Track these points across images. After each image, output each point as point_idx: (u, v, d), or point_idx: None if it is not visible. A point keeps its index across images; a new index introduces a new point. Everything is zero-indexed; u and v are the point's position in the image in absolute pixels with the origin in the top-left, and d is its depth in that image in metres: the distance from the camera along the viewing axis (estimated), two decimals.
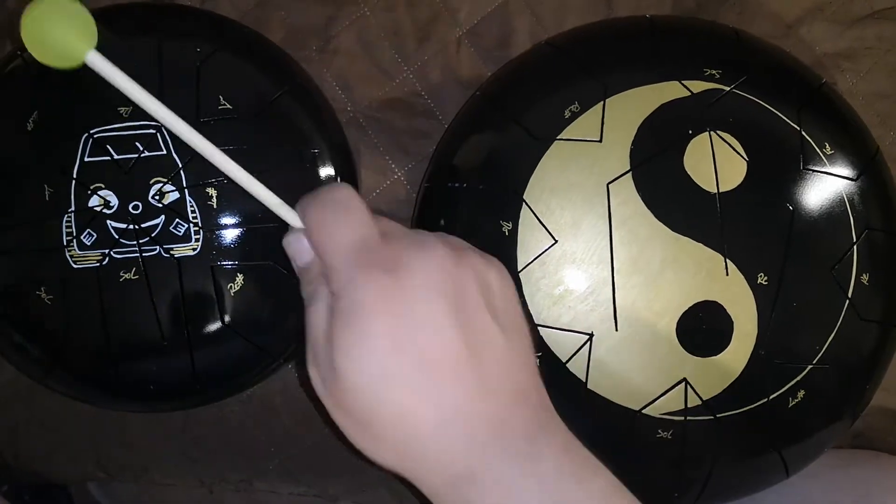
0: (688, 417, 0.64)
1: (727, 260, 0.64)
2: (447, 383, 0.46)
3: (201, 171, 0.65)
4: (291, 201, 0.68)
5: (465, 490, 0.47)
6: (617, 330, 0.64)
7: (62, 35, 0.47)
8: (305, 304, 0.51)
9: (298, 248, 0.52)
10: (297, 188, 0.68)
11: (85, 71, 0.46)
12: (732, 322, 0.64)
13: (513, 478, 0.46)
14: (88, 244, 0.64)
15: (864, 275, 0.66)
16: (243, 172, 0.52)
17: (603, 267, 0.64)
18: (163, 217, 0.65)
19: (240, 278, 0.66)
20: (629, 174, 0.65)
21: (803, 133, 0.67)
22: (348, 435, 0.49)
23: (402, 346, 0.45)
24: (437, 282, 0.47)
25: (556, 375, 0.65)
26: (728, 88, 0.67)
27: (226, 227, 0.65)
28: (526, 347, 0.51)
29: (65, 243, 0.64)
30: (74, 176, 0.64)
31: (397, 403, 0.46)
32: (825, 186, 0.66)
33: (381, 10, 0.84)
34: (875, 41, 0.85)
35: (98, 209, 0.64)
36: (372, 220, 0.50)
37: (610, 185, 0.65)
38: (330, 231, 0.49)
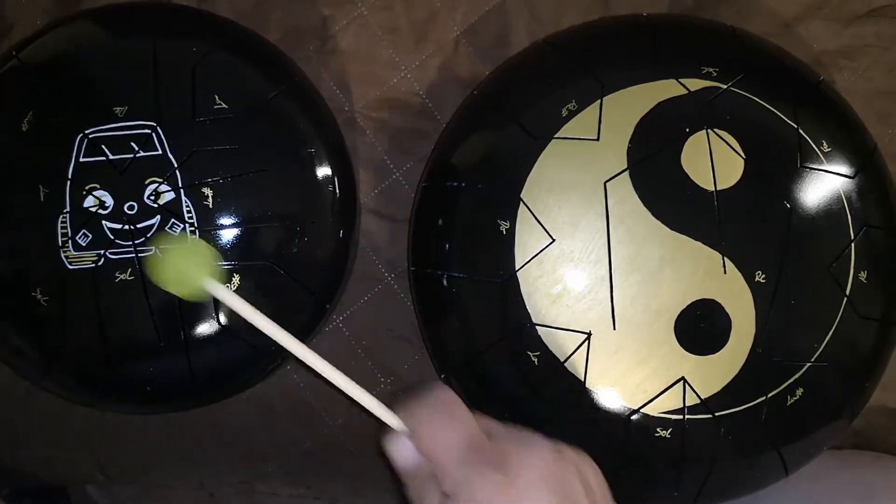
0: (686, 416, 0.64)
1: (725, 258, 0.63)
2: None
3: (197, 170, 0.65)
4: (289, 202, 0.68)
5: None
6: (615, 329, 0.64)
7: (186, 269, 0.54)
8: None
9: (405, 452, 0.54)
10: (293, 188, 0.69)
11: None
12: (730, 320, 0.64)
13: None
14: (84, 245, 0.64)
15: (862, 272, 0.66)
16: (347, 380, 0.54)
17: (601, 265, 0.64)
18: (158, 217, 0.64)
19: (236, 278, 0.66)
20: (626, 172, 0.65)
21: (800, 131, 0.66)
22: None
23: None
24: (545, 478, 0.49)
25: (554, 374, 0.65)
26: (725, 86, 0.67)
27: (222, 227, 0.65)
28: None
29: (60, 244, 0.64)
30: (69, 176, 0.64)
31: None
32: (823, 184, 0.66)
33: (378, 9, 0.84)
34: (873, 39, 0.85)
35: (93, 210, 0.64)
36: (474, 420, 0.53)
37: (607, 184, 0.64)
38: (439, 434, 0.52)
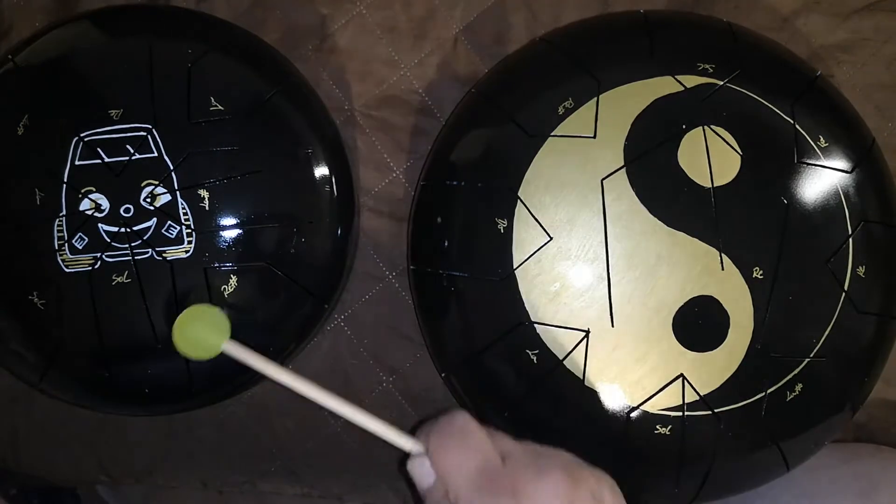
0: (686, 413, 0.64)
1: (722, 254, 0.63)
2: None
3: (193, 172, 0.65)
4: (286, 203, 0.68)
5: None
6: (613, 326, 0.64)
7: (203, 334, 0.61)
8: None
9: (422, 472, 0.56)
10: (290, 188, 0.69)
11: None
12: (728, 316, 0.64)
13: None
14: (80, 248, 0.64)
15: (860, 267, 0.65)
16: (356, 410, 0.60)
17: (598, 263, 0.64)
18: (154, 220, 0.64)
19: (233, 280, 0.66)
20: (623, 170, 0.64)
21: (797, 126, 0.66)
22: None
23: None
24: None
25: (553, 373, 0.65)
26: (721, 83, 0.67)
27: (218, 228, 0.65)
28: None
29: (56, 247, 0.64)
30: (65, 179, 0.64)
31: None
32: (820, 179, 0.66)
33: (377, 7, 0.84)
34: (872, 32, 0.84)
35: (89, 213, 0.64)
36: (490, 444, 0.55)
37: (604, 181, 0.64)
38: (451, 457, 0.54)
